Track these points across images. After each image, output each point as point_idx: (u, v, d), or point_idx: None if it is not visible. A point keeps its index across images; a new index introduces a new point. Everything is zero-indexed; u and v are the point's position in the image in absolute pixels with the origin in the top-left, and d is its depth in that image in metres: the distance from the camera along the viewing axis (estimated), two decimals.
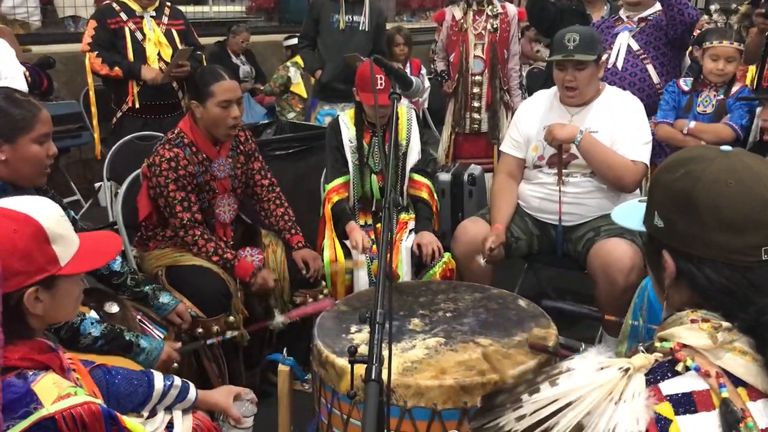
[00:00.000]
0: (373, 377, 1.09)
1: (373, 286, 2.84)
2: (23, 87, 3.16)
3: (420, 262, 2.99)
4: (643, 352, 1.05)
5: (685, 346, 1.03)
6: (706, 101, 3.32)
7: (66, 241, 1.35)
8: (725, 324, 1.02)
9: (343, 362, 1.91)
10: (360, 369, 1.20)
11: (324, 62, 4.53)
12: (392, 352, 1.65)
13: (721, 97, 3.29)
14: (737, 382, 1.00)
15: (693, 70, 4.27)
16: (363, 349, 1.18)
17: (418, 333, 2.11)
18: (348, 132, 3.15)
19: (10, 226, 1.28)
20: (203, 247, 2.67)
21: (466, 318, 2.22)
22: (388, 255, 1.31)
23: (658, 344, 1.06)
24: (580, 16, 4.03)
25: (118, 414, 1.36)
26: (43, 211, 1.34)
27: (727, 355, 1.01)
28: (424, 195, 3.17)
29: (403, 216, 3.19)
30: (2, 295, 1.23)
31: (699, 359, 1.01)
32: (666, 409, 0.97)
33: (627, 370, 1.01)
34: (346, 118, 3.20)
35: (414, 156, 3.20)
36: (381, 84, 2.91)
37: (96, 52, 3.78)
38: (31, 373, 1.28)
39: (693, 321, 1.05)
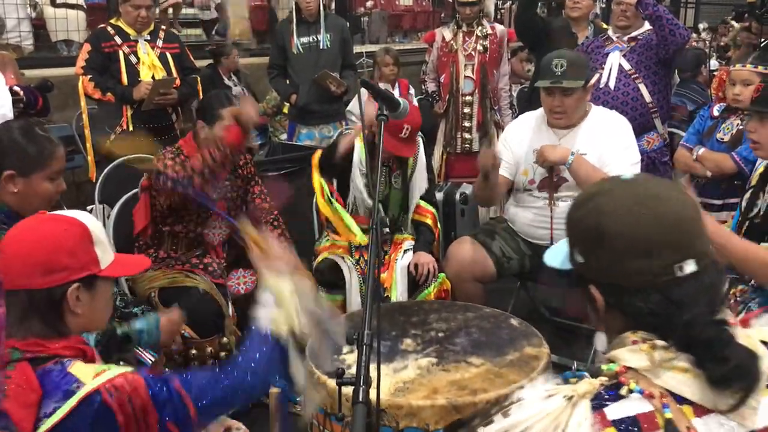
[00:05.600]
0: (360, 399, 1.09)
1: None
2: (9, 115, 3.18)
3: (415, 282, 2.99)
4: (587, 377, 1.06)
5: (629, 368, 1.04)
6: (728, 129, 3.19)
7: (105, 247, 1.49)
8: (660, 343, 1.03)
9: (334, 383, 1.90)
10: (349, 391, 1.20)
11: (297, 87, 4.56)
12: (384, 372, 1.64)
13: (742, 126, 3.08)
14: (682, 400, 1.00)
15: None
16: (354, 370, 1.18)
17: (410, 353, 2.11)
18: (359, 152, 3.06)
19: (61, 226, 1.44)
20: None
21: (459, 338, 2.22)
22: (378, 274, 1.32)
23: (604, 367, 1.07)
24: (567, 33, 4.07)
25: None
26: (89, 218, 1.50)
27: (667, 374, 1.01)
28: (428, 221, 3.16)
29: (398, 236, 3.19)
30: (48, 289, 1.37)
31: (643, 381, 1.02)
32: None
33: (571, 398, 1.01)
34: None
35: (420, 184, 3.16)
36: (405, 133, 2.84)
37: (89, 76, 3.80)
38: (66, 359, 1.36)
39: (634, 342, 1.06)
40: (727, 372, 0.97)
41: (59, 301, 1.39)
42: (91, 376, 1.32)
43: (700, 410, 1.00)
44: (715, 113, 3.30)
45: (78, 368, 1.34)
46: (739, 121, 3.14)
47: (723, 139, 3.20)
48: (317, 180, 2.99)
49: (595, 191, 1.14)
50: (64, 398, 1.28)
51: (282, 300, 1.52)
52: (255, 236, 1.71)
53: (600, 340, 1.17)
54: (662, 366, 1.02)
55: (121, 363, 2.06)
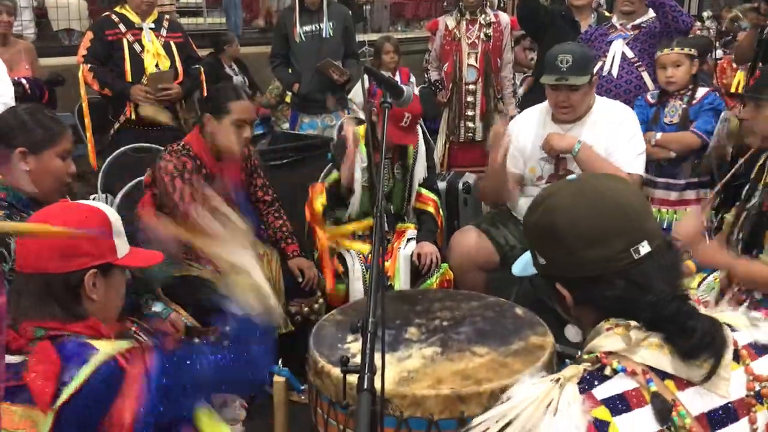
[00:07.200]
0: (365, 387, 1.08)
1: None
2: (10, 104, 3.17)
3: (418, 272, 2.98)
4: (571, 363, 1.10)
5: (608, 352, 1.08)
6: (672, 111, 3.30)
7: (122, 238, 1.56)
8: (634, 324, 1.08)
9: (338, 372, 1.90)
10: (354, 379, 1.20)
11: (299, 75, 4.54)
12: (388, 361, 1.64)
13: (685, 105, 3.25)
14: (663, 375, 1.05)
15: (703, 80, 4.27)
16: (359, 359, 1.17)
17: (414, 342, 2.10)
18: (359, 149, 3.04)
19: (83, 214, 1.51)
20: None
21: (463, 327, 2.21)
22: (382, 262, 1.31)
23: (585, 356, 1.12)
24: (570, 23, 4.04)
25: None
26: (109, 209, 1.57)
27: (644, 351, 1.06)
28: (430, 209, 3.15)
29: (400, 225, 3.17)
30: (66, 273, 1.42)
31: (623, 361, 1.06)
32: (603, 413, 1.01)
33: (558, 380, 1.05)
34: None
35: (420, 171, 3.17)
36: (406, 122, 2.84)
37: (89, 66, 3.77)
38: (84, 336, 1.42)
39: (608, 329, 1.11)
40: (695, 342, 1.03)
41: (76, 286, 1.45)
42: (109, 346, 1.39)
43: (682, 384, 1.04)
44: (651, 100, 3.37)
45: (96, 341, 1.40)
46: (681, 102, 3.27)
47: (672, 121, 3.30)
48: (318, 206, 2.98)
49: (545, 194, 1.22)
50: (80, 365, 1.33)
51: (246, 277, 1.55)
52: (188, 234, 1.70)
53: (570, 331, 1.21)
54: (640, 345, 1.06)
55: None
